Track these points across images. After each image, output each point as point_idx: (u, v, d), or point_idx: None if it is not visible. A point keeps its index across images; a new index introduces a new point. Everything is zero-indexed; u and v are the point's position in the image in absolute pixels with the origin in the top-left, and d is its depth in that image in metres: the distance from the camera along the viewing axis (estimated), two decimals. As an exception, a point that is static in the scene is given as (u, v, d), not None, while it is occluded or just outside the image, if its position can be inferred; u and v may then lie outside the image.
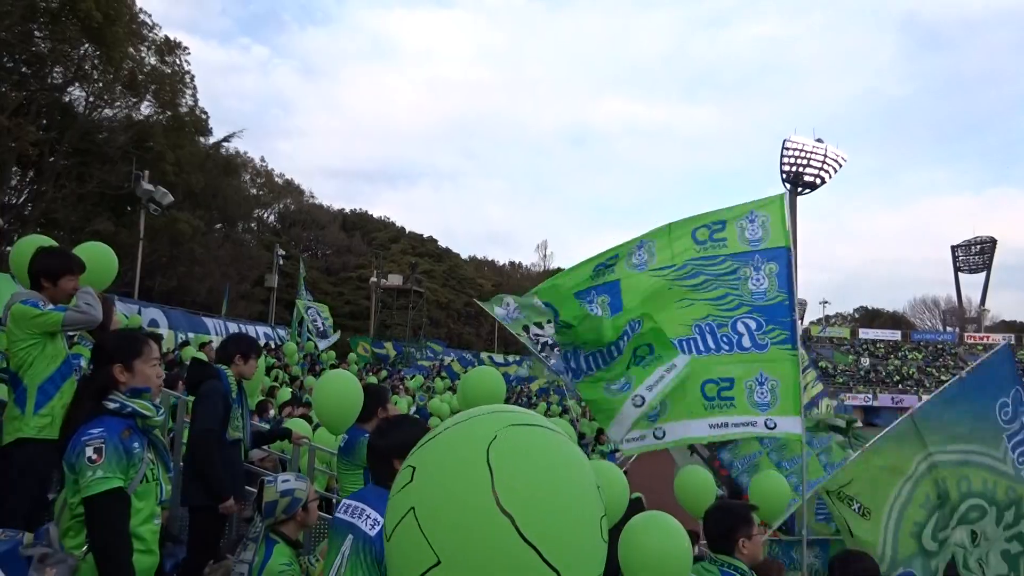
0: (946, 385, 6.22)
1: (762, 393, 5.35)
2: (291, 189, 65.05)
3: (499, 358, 26.31)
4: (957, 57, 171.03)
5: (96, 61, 30.34)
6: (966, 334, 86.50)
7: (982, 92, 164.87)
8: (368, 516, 2.47)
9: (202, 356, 10.21)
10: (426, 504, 1.13)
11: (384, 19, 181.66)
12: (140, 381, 2.94)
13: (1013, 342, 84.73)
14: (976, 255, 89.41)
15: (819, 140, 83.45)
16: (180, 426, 6.15)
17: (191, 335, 20.25)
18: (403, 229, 78.07)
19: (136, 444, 2.80)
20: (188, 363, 8.27)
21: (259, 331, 29.18)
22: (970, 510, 5.73)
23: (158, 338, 3.32)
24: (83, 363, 4.19)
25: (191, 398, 5.03)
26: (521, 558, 1.05)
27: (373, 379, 20.06)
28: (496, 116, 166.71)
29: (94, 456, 2.64)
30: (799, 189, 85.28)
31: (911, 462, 5.89)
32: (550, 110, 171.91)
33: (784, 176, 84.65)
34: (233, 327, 25.83)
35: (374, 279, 53.50)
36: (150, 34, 34.12)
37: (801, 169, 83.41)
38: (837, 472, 6.08)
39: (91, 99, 31.57)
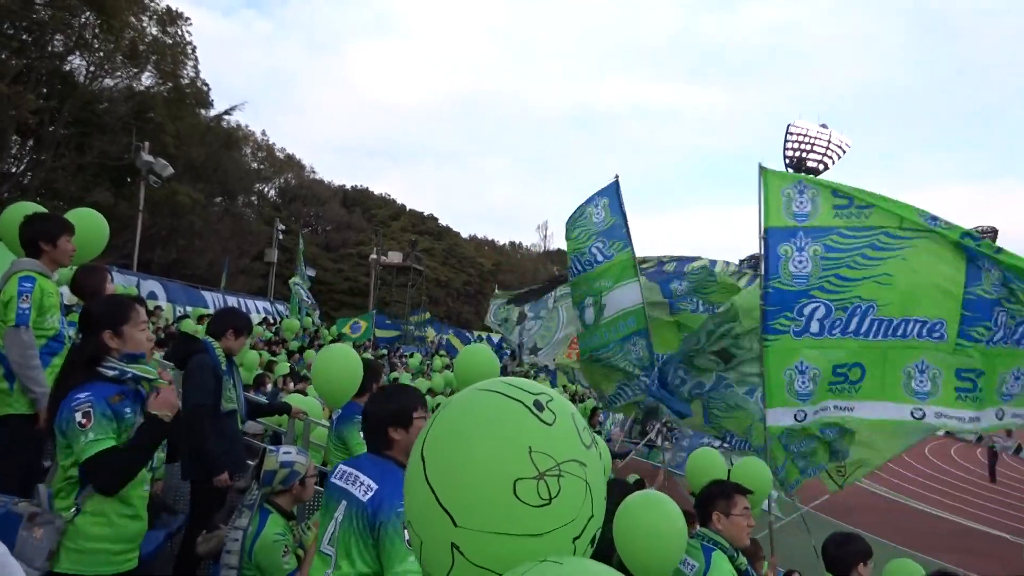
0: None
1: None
2: (292, 164, 64.79)
3: (496, 337, 26.29)
4: (964, 45, 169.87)
5: (97, 30, 30.09)
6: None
7: (988, 81, 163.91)
8: (362, 483, 2.48)
9: (198, 329, 10.19)
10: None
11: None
12: (131, 346, 2.94)
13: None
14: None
15: (823, 126, 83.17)
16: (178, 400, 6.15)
17: (189, 308, 20.24)
18: (404, 206, 77.92)
19: (128, 409, 2.81)
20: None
21: (258, 305, 29.23)
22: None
23: (143, 301, 3.25)
24: (71, 332, 4.15)
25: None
26: (425, 498, 1.20)
27: (368, 357, 20.08)
28: (501, 94, 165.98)
29: (83, 420, 2.66)
30: (803, 174, 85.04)
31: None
32: (555, 89, 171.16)
33: (787, 161, 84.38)
34: (232, 301, 25.83)
35: (374, 256, 53.44)
36: (151, 3, 33.82)
37: (804, 154, 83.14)
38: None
39: (92, 68, 31.35)
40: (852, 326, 5.67)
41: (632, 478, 7.35)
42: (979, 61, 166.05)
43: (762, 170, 5.91)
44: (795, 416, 5.72)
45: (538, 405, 1.27)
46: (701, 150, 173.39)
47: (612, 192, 7.83)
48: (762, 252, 5.78)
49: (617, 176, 7.89)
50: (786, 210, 5.74)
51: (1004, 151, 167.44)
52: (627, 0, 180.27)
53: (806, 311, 5.65)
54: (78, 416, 2.65)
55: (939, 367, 5.54)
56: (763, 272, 5.77)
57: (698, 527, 3.66)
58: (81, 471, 2.67)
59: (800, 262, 5.65)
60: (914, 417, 5.58)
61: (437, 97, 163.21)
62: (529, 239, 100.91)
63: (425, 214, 78.06)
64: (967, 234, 5.48)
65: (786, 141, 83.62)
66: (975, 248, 5.43)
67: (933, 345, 5.54)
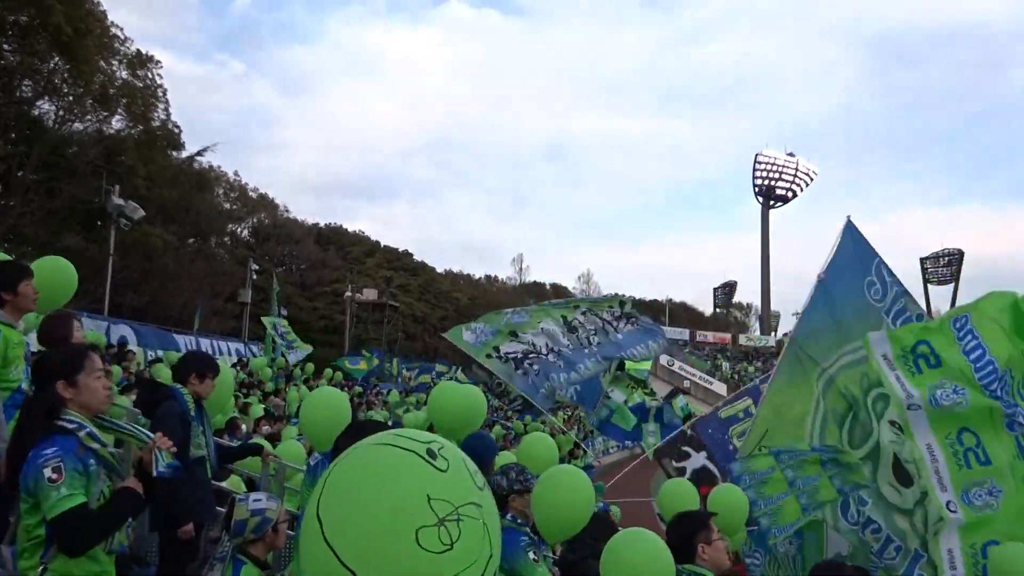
0: (809, 295, 5.83)
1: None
2: (265, 203, 64.52)
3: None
4: (922, 73, 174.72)
5: (66, 75, 29.97)
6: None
7: (947, 108, 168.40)
8: None
9: (166, 375, 10.04)
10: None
11: (363, 36, 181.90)
12: (86, 395, 2.88)
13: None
14: (944, 267, 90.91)
15: (790, 154, 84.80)
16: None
17: (161, 352, 19.95)
18: (378, 243, 77.75)
19: (92, 460, 2.76)
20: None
21: (231, 347, 28.87)
22: (876, 401, 5.30)
23: (97, 348, 3.17)
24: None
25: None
26: (325, 559, 1.20)
27: (345, 395, 19.87)
28: (474, 130, 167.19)
29: (54, 476, 2.59)
30: (771, 203, 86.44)
31: (812, 385, 5.58)
32: (527, 124, 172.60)
33: (757, 190, 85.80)
34: (205, 343, 25.49)
35: (349, 293, 53.20)
36: (122, 48, 33.82)
37: (773, 183, 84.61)
38: (748, 433, 5.86)
39: (61, 113, 31.15)
40: None
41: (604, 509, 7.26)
42: (937, 88, 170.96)
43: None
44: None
45: (431, 453, 1.30)
46: (671, 181, 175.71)
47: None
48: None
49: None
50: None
51: (966, 176, 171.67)
52: (596, 36, 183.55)
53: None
54: (48, 472, 2.59)
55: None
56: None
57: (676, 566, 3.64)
58: (48, 529, 2.61)
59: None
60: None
61: (410, 133, 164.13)
62: (505, 272, 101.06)
63: (400, 250, 77.94)
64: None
65: (755, 170, 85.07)
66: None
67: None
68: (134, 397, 6.48)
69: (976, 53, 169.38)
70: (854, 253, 5.70)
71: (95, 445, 2.81)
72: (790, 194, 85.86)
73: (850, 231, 5.79)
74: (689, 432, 8.84)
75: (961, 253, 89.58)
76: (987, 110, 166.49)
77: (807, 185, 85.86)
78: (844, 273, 5.64)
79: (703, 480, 7.55)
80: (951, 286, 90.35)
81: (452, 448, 1.35)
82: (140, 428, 2.94)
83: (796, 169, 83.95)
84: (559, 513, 3.86)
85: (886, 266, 5.76)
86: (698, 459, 8.42)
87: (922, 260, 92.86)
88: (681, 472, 8.29)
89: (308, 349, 22.38)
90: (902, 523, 5.22)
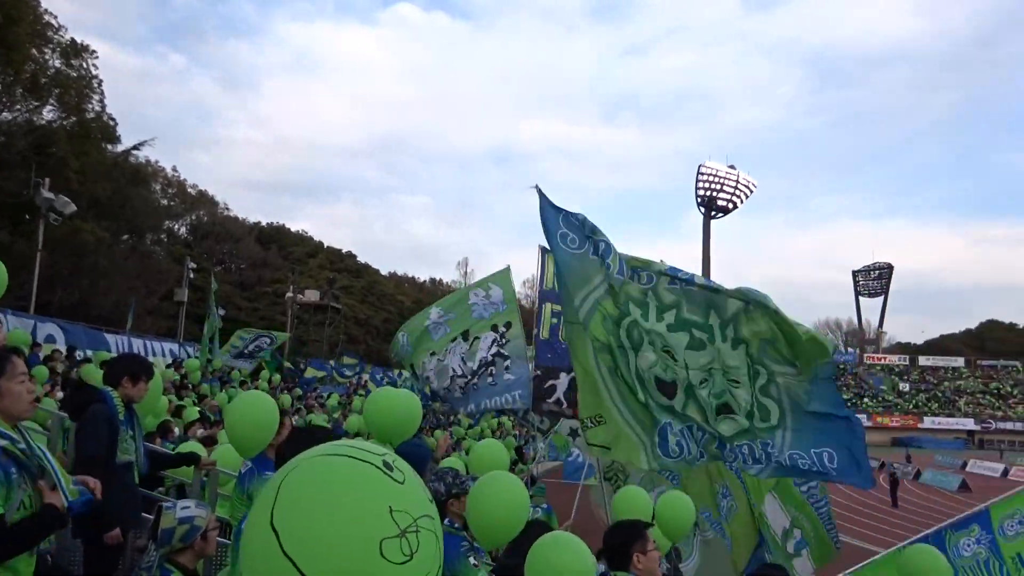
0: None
1: None
2: (204, 200, 63.01)
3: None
4: (857, 93, 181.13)
5: (-5, 62, 28.84)
6: (865, 355, 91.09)
7: (878, 126, 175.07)
8: None
9: (96, 376, 9.73)
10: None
11: (308, 33, 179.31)
12: (8, 401, 2.78)
13: (908, 363, 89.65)
14: (875, 280, 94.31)
15: (731, 166, 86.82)
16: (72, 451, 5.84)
17: (91, 352, 19.26)
18: (321, 244, 76.70)
19: (12, 468, 2.66)
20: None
21: (165, 348, 28.04)
22: (629, 330, 5.90)
23: (22, 352, 3.00)
24: None
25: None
26: (282, 569, 1.17)
27: (285, 398, 19.56)
28: (421, 133, 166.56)
29: None
30: (713, 213, 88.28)
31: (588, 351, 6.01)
32: (475, 128, 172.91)
33: (699, 200, 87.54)
34: (138, 344, 24.72)
35: (290, 294, 52.33)
36: (55, 36, 32.64)
37: (715, 194, 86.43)
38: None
39: (-12, 101, 29.94)
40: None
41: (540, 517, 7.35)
42: (869, 107, 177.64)
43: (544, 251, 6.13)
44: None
45: (387, 465, 1.31)
46: (616, 189, 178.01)
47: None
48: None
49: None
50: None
51: (896, 192, 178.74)
52: (544, 44, 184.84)
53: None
54: None
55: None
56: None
57: (602, 567, 3.71)
58: None
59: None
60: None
61: (356, 134, 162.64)
62: (449, 276, 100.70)
63: (343, 251, 77.10)
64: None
65: (698, 180, 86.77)
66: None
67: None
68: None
69: (907, 75, 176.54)
70: (550, 216, 6.18)
71: (16, 452, 2.72)
72: (731, 205, 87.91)
73: (541, 197, 6.25)
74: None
75: (891, 267, 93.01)
76: (915, 131, 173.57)
77: (747, 197, 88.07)
78: (551, 239, 6.15)
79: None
80: (881, 298, 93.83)
81: (402, 461, 1.36)
82: (48, 459, 2.82)
83: (737, 181, 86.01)
84: (494, 519, 3.88)
85: (574, 216, 6.13)
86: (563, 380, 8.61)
87: (854, 273, 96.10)
88: (551, 392, 8.51)
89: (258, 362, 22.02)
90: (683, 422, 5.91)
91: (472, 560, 3.64)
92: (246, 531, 1.29)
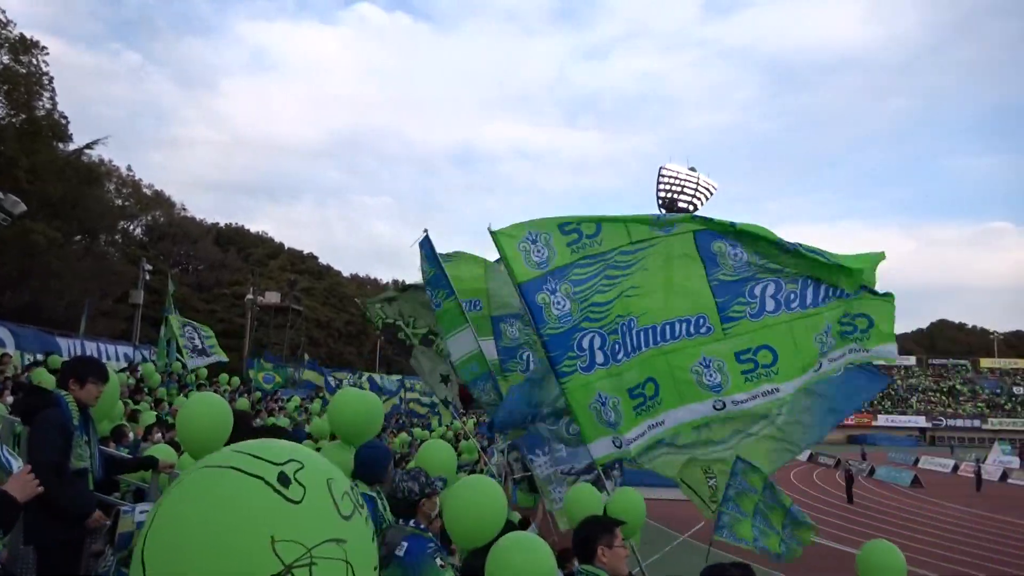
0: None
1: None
2: (161, 201, 61.79)
3: (378, 378, 25.85)
4: (810, 98, 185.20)
5: (-61, 57, 27.95)
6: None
7: (834, 130, 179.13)
8: None
9: (48, 380, 9.48)
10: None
11: (266, 32, 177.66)
12: None
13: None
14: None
15: (692, 168, 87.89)
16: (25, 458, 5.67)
17: (41, 356, 18.74)
18: (282, 245, 75.76)
19: None
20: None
21: (120, 351, 27.45)
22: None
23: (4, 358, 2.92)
24: None
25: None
26: None
27: (244, 402, 19.26)
28: (383, 133, 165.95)
29: None
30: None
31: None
32: (437, 130, 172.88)
33: (660, 202, 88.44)
34: (91, 347, 24.16)
35: (250, 296, 51.58)
36: (3, 31, 31.77)
37: (676, 195, 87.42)
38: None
39: (-68, 97, 29.00)
40: (629, 346, 6.08)
41: (516, 516, 7.37)
42: (824, 112, 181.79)
43: (493, 234, 6.19)
44: (613, 442, 6.09)
45: (283, 479, 1.12)
46: (578, 189, 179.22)
47: (425, 246, 8.21)
48: (524, 307, 6.11)
49: (426, 230, 8.31)
50: (528, 262, 6.06)
51: (847, 195, 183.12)
52: (506, 47, 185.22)
53: (584, 344, 6.03)
54: None
55: (720, 358, 6.05)
56: (533, 325, 6.08)
57: (576, 564, 3.75)
58: None
59: (558, 303, 6.00)
60: (716, 409, 6.09)
61: (317, 134, 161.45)
62: (413, 277, 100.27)
63: (304, 253, 76.26)
64: (705, 222, 6.12)
65: (659, 182, 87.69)
66: (718, 230, 6.03)
67: (705, 339, 6.06)
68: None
69: (859, 81, 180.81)
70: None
71: None
72: (691, 207, 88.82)
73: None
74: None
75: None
76: (868, 135, 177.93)
77: (707, 199, 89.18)
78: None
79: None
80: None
81: (315, 469, 1.17)
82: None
83: (697, 183, 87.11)
84: (473, 520, 3.89)
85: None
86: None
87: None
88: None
89: (223, 357, 21.43)
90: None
91: (439, 561, 3.63)
92: (134, 554, 1.12)
